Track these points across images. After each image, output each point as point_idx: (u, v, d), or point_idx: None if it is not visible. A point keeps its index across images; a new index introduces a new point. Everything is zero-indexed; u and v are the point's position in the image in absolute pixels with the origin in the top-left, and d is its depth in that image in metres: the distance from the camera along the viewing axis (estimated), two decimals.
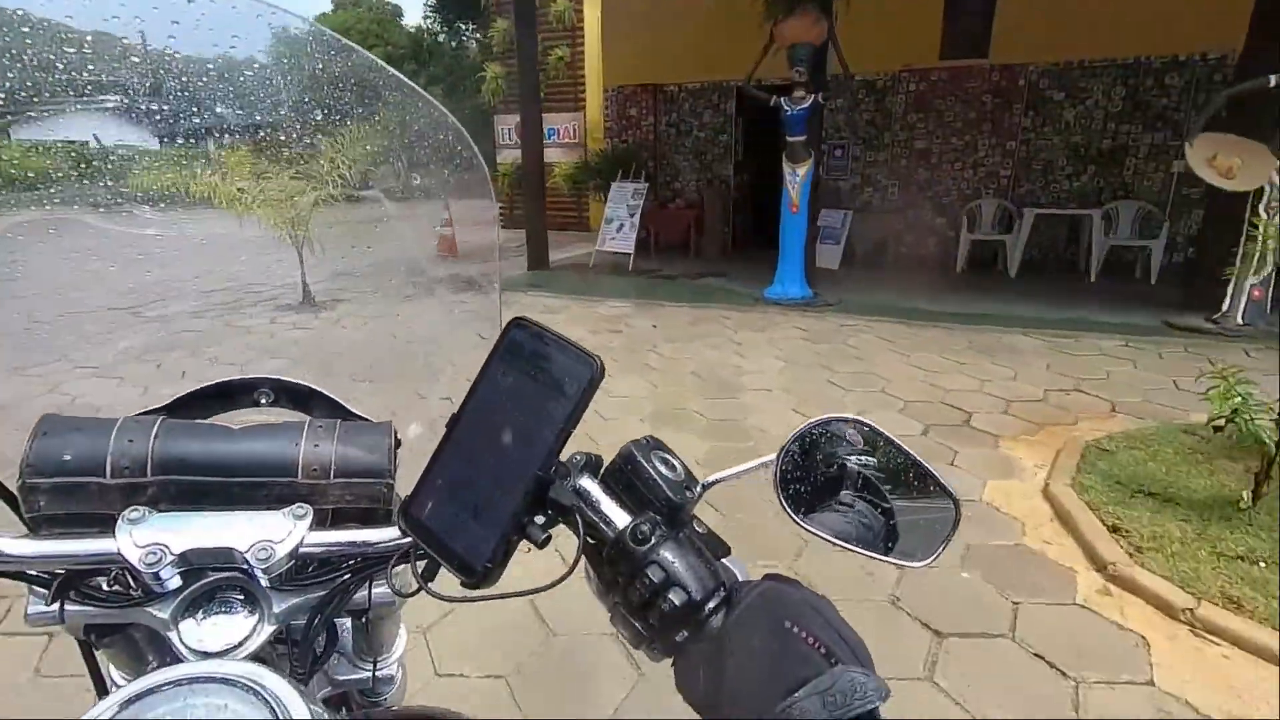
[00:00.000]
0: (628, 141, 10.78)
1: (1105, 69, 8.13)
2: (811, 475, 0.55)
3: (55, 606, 0.52)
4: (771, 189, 7.96)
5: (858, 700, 0.37)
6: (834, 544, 0.52)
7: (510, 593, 0.47)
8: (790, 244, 7.09)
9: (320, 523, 0.57)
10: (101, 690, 0.62)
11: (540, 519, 0.46)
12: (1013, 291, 7.31)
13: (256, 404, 0.68)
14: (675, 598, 0.43)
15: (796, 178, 6.93)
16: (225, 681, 0.43)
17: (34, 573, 0.53)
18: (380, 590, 0.61)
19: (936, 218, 9.12)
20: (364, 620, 0.67)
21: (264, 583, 0.53)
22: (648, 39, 10.22)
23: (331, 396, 0.69)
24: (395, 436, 0.62)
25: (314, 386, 0.70)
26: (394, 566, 0.56)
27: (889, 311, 6.55)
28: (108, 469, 0.53)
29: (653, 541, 0.44)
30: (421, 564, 0.50)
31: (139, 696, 0.42)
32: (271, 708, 0.42)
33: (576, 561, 0.46)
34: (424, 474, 0.48)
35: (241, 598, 0.53)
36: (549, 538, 0.46)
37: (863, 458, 0.55)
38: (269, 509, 0.55)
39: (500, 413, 0.47)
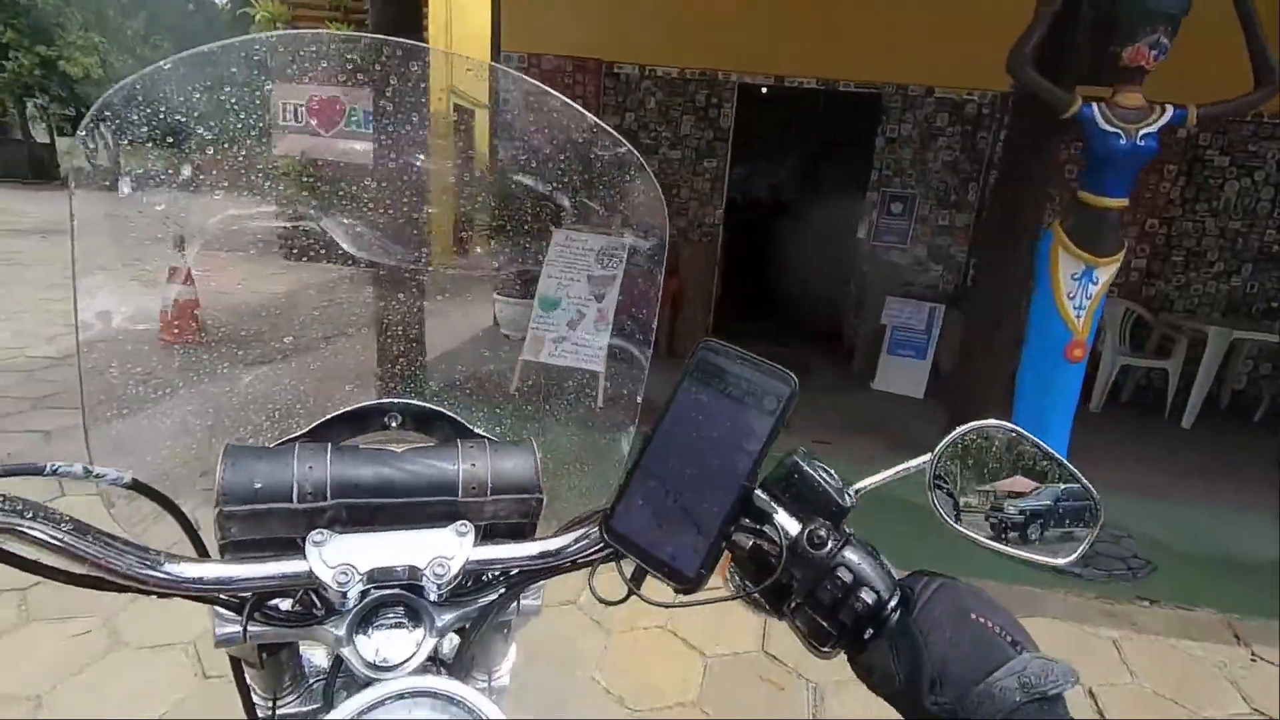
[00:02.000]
0: None
1: None
2: (960, 479, 0.57)
3: (239, 628, 0.53)
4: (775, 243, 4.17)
5: (1051, 682, 0.40)
6: (987, 546, 0.54)
7: (717, 598, 0.50)
8: (1053, 420, 3.28)
9: (475, 537, 0.58)
10: (249, 708, 0.67)
11: (741, 530, 0.50)
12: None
13: (386, 427, 0.70)
14: (867, 597, 0.46)
15: (1088, 283, 3.14)
16: (435, 695, 0.49)
17: (225, 596, 0.54)
18: (528, 601, 0.64)
19: None
20: (496, 634, 0.69)
21: (433, 597, 0.55)
22: None
23: (453, 416, 0.71)
24: (537, 452, 0.64)
25: (437, 408, 0.71)
26: (563, 573, 0.59)
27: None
28: (294, 494, 0.55)
29: (830, 545, 0.47)
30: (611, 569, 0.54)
31: (372, 707, 0.47)
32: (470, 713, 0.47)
33: (780, 566, 0.48)
34: (621, 489, 0.51)
35: (405, 612, 0.54)
36: (754, 545, 0.49)
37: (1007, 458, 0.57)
38: (432, 526, 0.57)
39: (699, 429, 0.50)
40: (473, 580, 0.60)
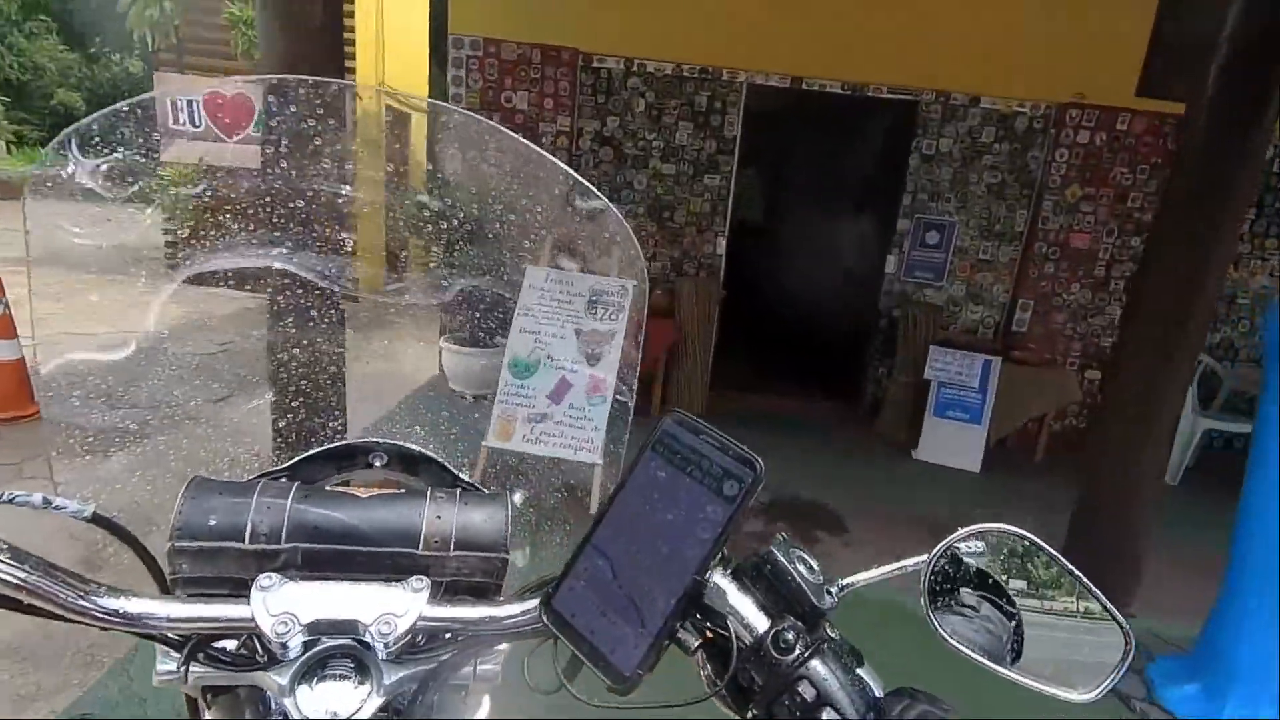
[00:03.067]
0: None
1: None
2: (959, 588, 0.51)
3: (178, 668, 0.52)
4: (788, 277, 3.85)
5: None
6: (987, 667, 0.48)
7: (656, 703, 0.47)
8: None
9: (433, 594, 0.56)
10: None
11: (691, 626, 0.47)
12: None
13: (370, 466, 0.69)
14: (828, 718, 0.42)
15: None
16: None
17: (169, 635, 0.53)
18: (485, 668, 0.61)
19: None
20: (456, 697, 0.64)
21: (381, 655, 0.52)
22: None
23: (442, 461, 0.70)
24: (511, 507, 0.62)
25: (425, 451, 0.70)
26: (509, 642, 0.56)
27: None
28: (247, 535, 0.54)
29: (797, 651, 0.43)
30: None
31: None
32: None
33: (730, 674, 0.44)
34: (569, 564, 0.49)
35: (353, 666, 0.52)
36: (700, 645, 0.46)
37: (1014, 574, 0.51)
38: (387, 579, 0.55)
39: (654, 510, 0.47)
40: (427, 638, 0.56)
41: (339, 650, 0.52)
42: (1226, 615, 2.34)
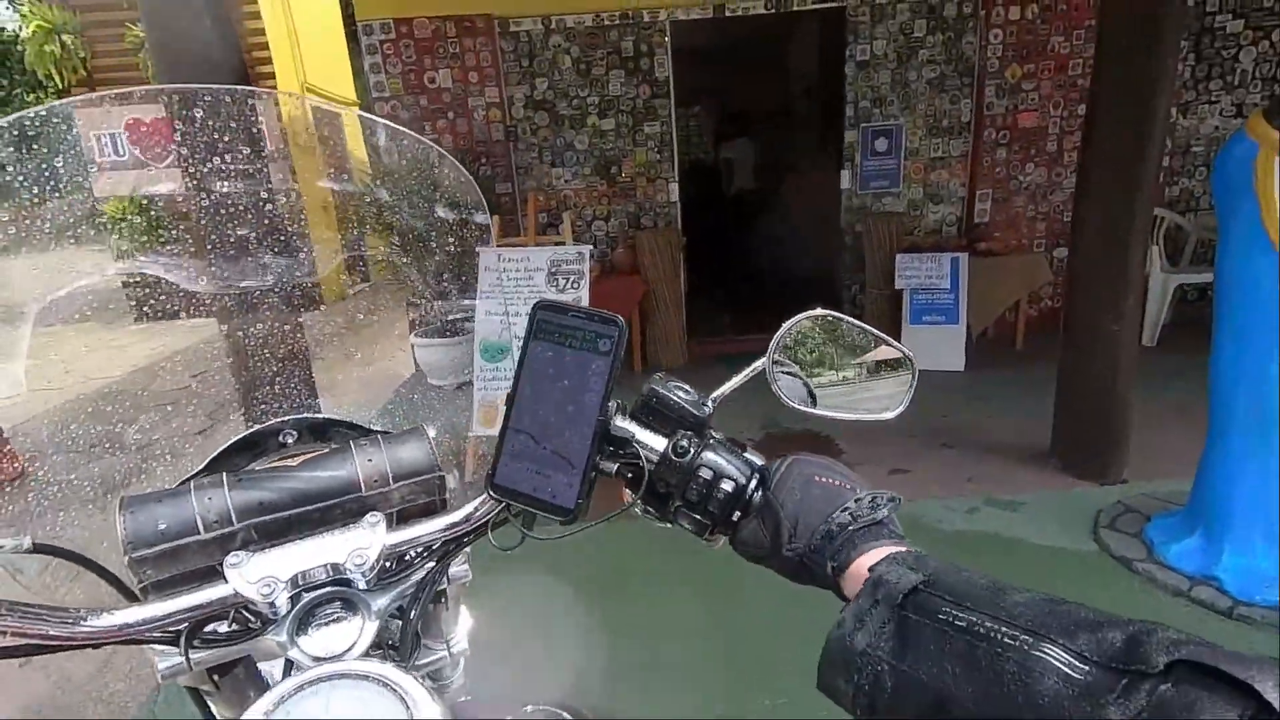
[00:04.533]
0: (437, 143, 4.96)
1: None
2: (801, 368, 0.65)
3: (181, 659, 0.55)
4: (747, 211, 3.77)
5: (876, 507, 0.50)
6: (820, 415, 0.63)
7: (597, 520, 0.57)
8: None
9: (388, 525, 0.61)
10: None
11: (607, 457, 0.56)
12: None
13: (283, 445, 0.71)
14: (727, 486, 0.54)
15: None
16: (362, 678, 0.50)
17: (158, 634, 0.55)
18: (456, 570, 0.67)
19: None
20: (438, 605, 0.71)
21: (361, 586, 0.58)
22: None
23: (348, 420, 0.73)
24: (429, 435, 0.67)
25: (329, 416, 0.73)
26: (476, 539, 0.64)
27: None
28: (200, 526, 0.57)
29: (692, 452, 0.55)
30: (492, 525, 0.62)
31: (288, 696, 0.48)
32: (400, 697, 0.49)
33: (645, 485, 0.56)
34: (497, 448, 0.57)
35: (340, 605, 0.57)
36: (618, 468, 0.57)
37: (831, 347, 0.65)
38: (345, 525, 0.61)
39: (551, 381, 0.55)
40: (396, 563, 0.63)
41: (324, 596, 0.57)
42: (1212, 464, 2.40)
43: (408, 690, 0.49)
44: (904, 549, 0.46)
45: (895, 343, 0.64)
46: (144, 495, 0.59)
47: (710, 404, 0.58)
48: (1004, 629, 0.36)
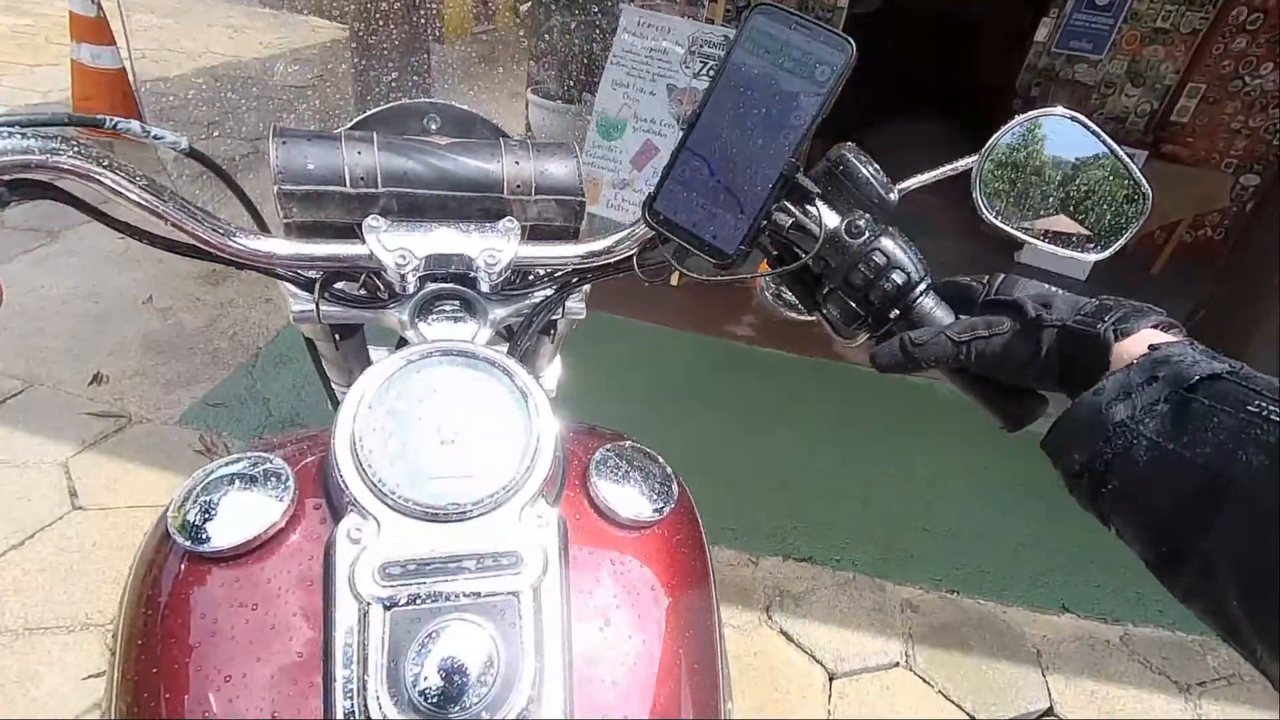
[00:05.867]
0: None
1: None
2: (1013, 178, 0.56)
3: (313, 306, 0.56)
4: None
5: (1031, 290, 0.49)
6: (1019, 237, 0.56)
7: (739, 275, 0.52)
8: None
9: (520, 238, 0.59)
10: (327, 386, 0.79)
11: (784, 208, 0.51)
12: None
13: (426, 131, 0.69)
14: (897, 278, 0.50)
15: None
16: (481, 360, 0.50)
17: (294, 273, 0.56)
18: (572, 305, 0.66)
19: None
20: (543, 337, 0.71)
21: (485, 289, 0.58)
22: None
23: (494, 123, 0.70)
24: (580, 155, 0.64)
25: (477, 112, 0.70)
26: (611, 274, 0.61)
27: None
28: (346, 179, 0.55)
29: (867, 234, 0.50)
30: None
31: (412, 359, 0.49)
32: (514, 382, 0.49)
33: (816, 250, 0.51)
34: (665, 170, 0.51)
35: (459, 305, 0.57)
36: (795, 221, 0.51)
37: (1062, 153, 0.56)
38: (480, 225, 0.58)
39: (746, 104, 0.48)
40: (520, 280, 0.62)
41: (448, 291, 0.57)
42: None
43: (522, 380, 0.49)
44: (1189, 340, 0.43)
45: (1136, 169, 0.56)
46: (296, 131, 0.57)
47: (897, 193, 0.53)
48: None
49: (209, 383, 2.28)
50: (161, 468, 1.94)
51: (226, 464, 0.49)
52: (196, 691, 0.42)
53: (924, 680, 1.83)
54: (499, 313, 0.59)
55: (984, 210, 0.56)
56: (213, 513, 0.46)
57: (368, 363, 0.71)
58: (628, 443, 0.60)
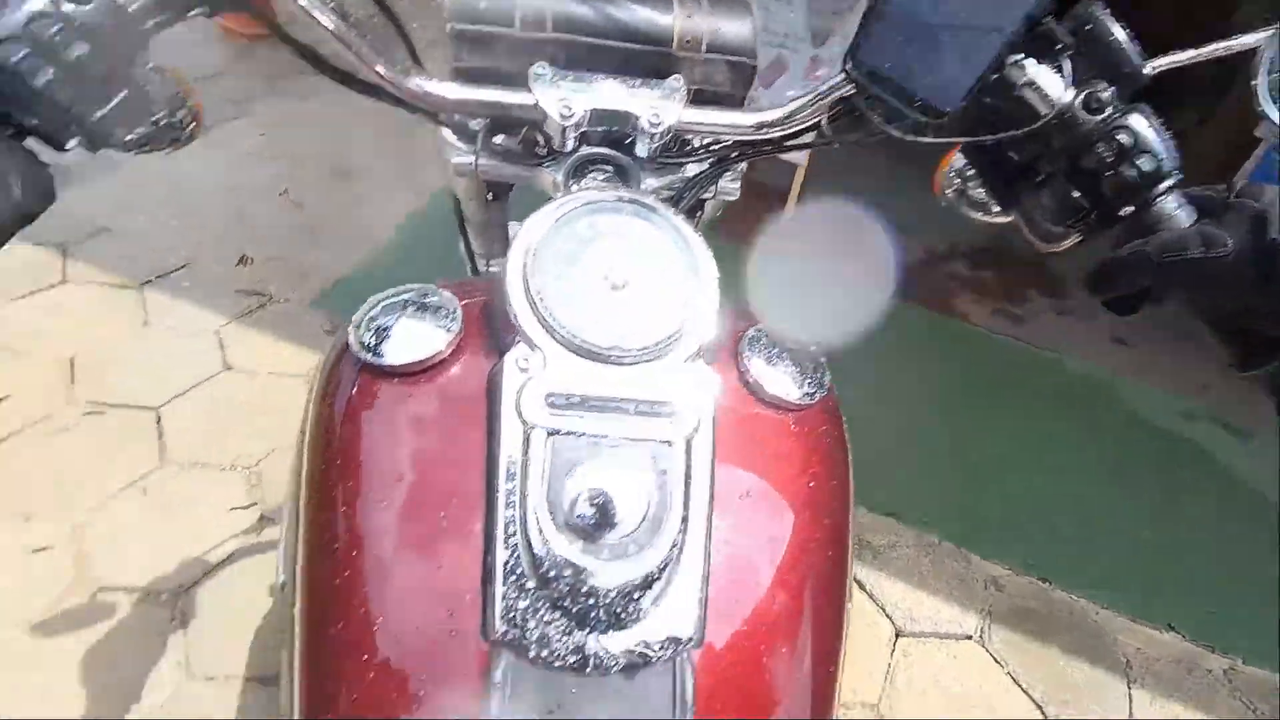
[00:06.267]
0: None
1: None
2: None
3: (472, 158, 0.57)
4: None
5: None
6: None
7: (968, 139, 0.48)
8: None
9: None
10: (471, 255, 0.80)
11: (1017, 63, 0.44)
12: None
13: None
14: (1144, 164, 0.42)
15: None
16: (651, 209, 0.49)
17: (458, 118, 0.57)
18: (726, 184, 0.64)
19: None
20: (692, 218, 0.67)
21: (642, 153, 0.56)
22: None
23: None
24: (757, 16, 0.60)
25: None
26: (781, 150, 0.58)
27: None
28: (516, 21, 0.54)
29: (1111, 109, 0.43)
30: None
31: (577, 206, 0.48)
32: (676, 232, 0.48)
33: (1046, 121, 0.44)
34: (867, 17, 0.44)
35: (612, 171, 0.56)
36: (1028, 80, 0.45)
37: None
38: (645, 80, 0.55)
39: None
40: (679, 149, 0.59)
41: (602, 156, 0.56)
42: None
43: (691, 238, 0.49)
44: None
45: None
46: None
47: (1151, 69, 0.45)
48: None
49: (339, 269, 2.42)
50: (297, 344, 2.11)
51: (399, 292, 0.51)
52: (369, 489, 0.46)
53: (995, 659, 1.74)
54: (651, 182, 0.58)
55: (1267, 106, 0.45)
56: (386, 334, 0.48)
57: (508, 235, 0.73)
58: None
